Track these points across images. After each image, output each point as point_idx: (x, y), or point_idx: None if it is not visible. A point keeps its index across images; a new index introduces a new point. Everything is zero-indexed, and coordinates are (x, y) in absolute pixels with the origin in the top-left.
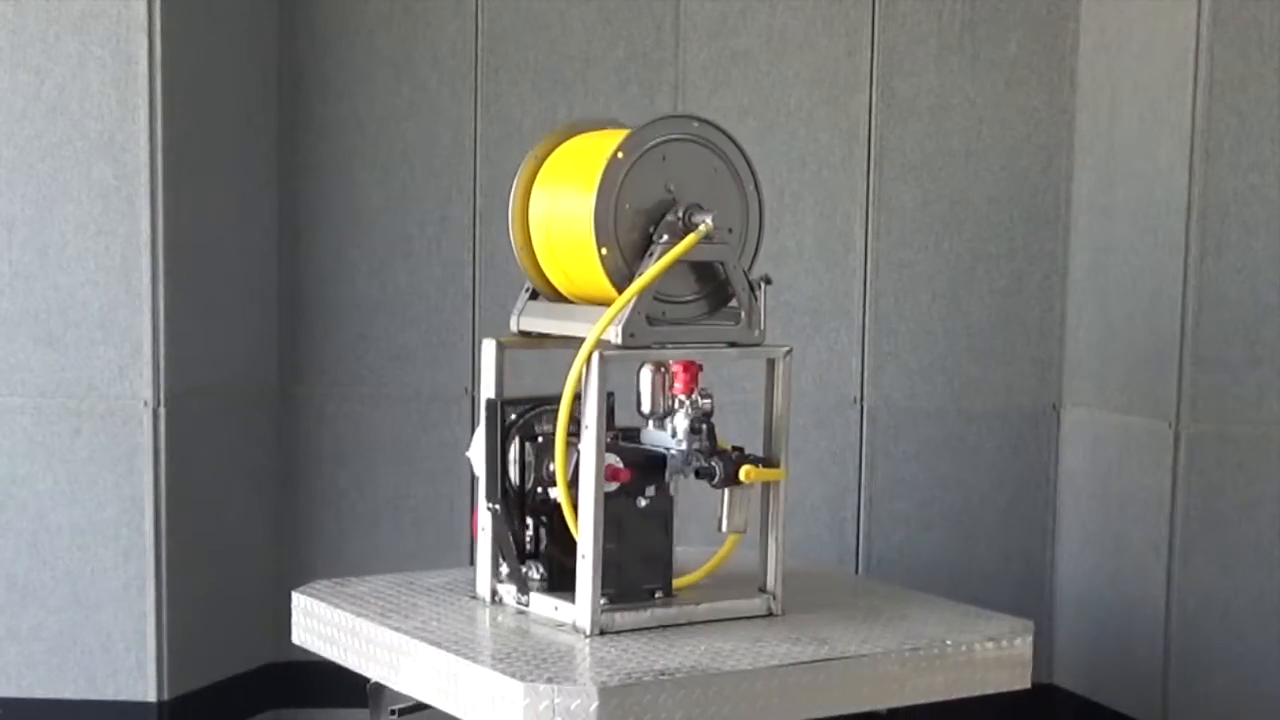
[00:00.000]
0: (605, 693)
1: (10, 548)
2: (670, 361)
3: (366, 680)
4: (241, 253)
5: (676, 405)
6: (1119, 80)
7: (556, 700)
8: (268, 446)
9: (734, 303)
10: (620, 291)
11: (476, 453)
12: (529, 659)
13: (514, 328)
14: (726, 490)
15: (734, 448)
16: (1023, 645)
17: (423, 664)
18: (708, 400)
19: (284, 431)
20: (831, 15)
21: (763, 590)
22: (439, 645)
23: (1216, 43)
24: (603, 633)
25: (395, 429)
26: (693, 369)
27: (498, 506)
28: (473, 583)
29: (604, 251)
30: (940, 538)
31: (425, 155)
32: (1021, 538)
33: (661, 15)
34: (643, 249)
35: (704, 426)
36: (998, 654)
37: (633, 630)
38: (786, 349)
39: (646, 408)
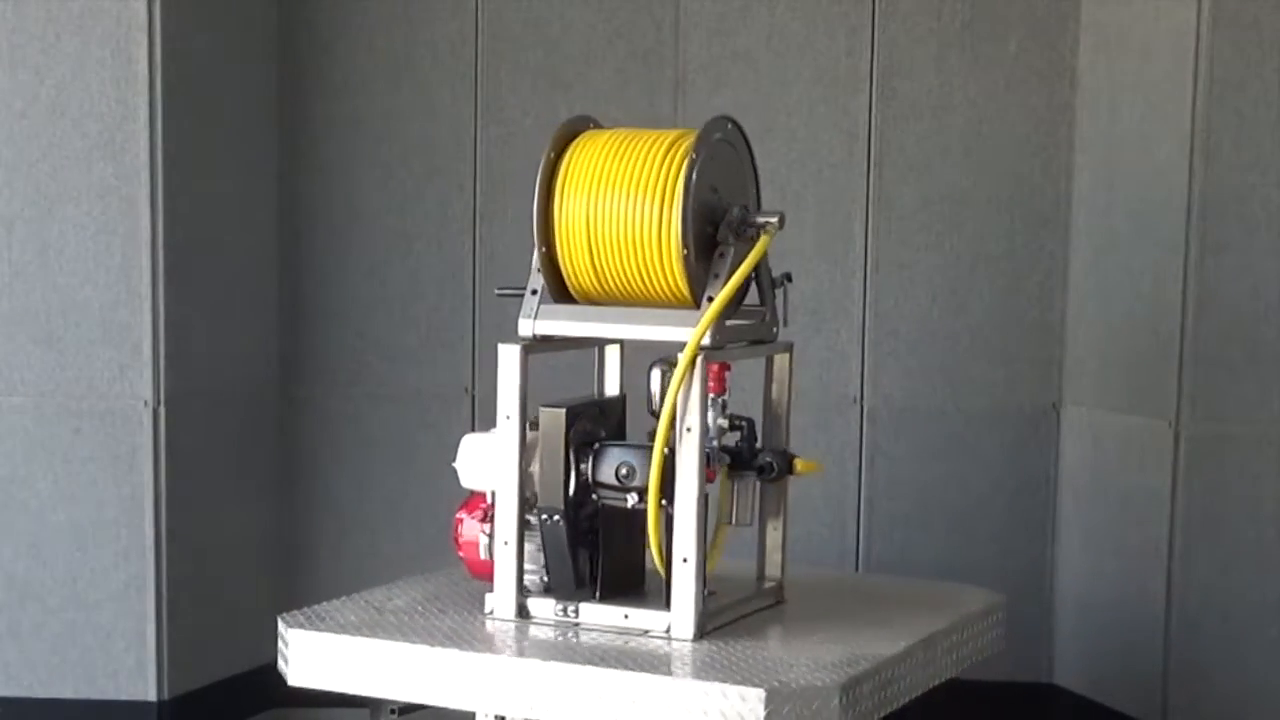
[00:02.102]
0: (842, 689)
1: (10, 548)
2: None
3: None
4: (241, 253)
5: (710, 403)
6: (1119, 80)
7: (799, 702)
8: (267, 446)
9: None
10: (696, 293)
11: (469, 463)
12: (696, 668)
13: (529, 332)
14: (736, 484)
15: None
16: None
17: (590, 688)
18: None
19: (284, 431)
20: (832, 15)
21: (760, 580)
22: (608, 665)
23: (1216, 43)
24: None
25: (395, 429)
26: (725, 367)
27: (560, 518)
28: (442, 598)
29: (685, 252)
30: (940, 538)
31: (425, 155)
32: (1021, 538)
33: (661, 15)
34: (705, 249)
35: (744, 423)
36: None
37: (716, 629)
38: (788, 344)
39: (657, 407)
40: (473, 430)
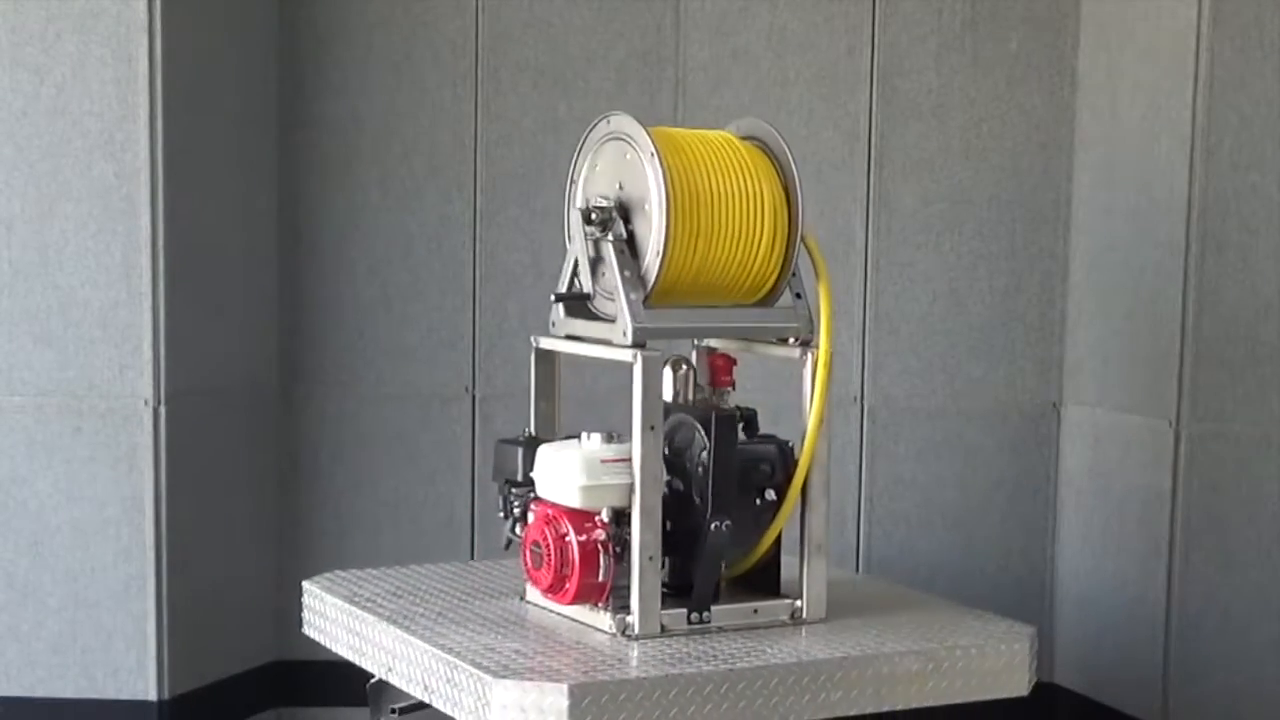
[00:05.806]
0: None
1: (10, 548)
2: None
3: (366, 677)
4: (241, 252)
5: (729, 398)
6: (1119, 80)
7: (1026, 647)
8: (268, 446)
9: None
10: (780, 284)
11: (551, 473)
12: (903, 637)
13: (632, 337)
14: None
15: None
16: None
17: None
18: None
19: (284, 431)
20: (832, 14)
21: None
22: (867, 650)
23: (1216, 42)
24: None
25: (395, 429)
26: (731, 360)
27: (730, 523)
28: (503, 629)
29: (797, 255)
30: (940, 538)
31: (425, 155)
32: (1021, 538)
33: (661, 15)
34: None
35: (750, 414)
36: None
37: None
38: None
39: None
40: (472, 432)
